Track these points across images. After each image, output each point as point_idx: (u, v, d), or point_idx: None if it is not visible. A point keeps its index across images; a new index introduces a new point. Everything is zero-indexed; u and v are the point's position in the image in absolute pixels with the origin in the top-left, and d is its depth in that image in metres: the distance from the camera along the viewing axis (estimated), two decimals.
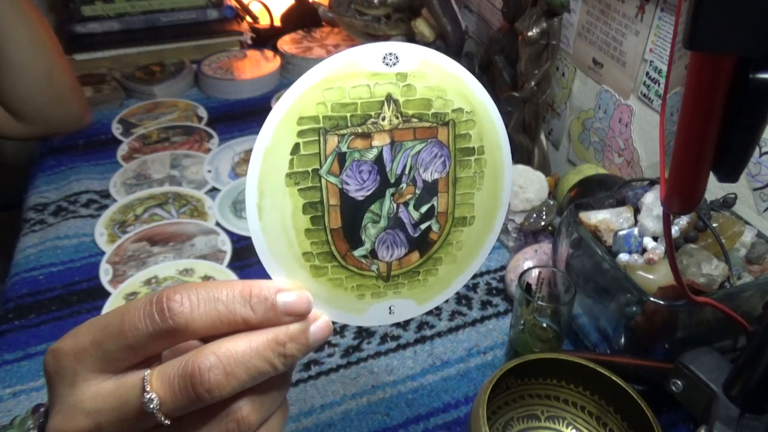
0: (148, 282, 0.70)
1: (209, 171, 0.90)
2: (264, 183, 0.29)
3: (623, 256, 0.55)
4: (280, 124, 0.28)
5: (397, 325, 0.67)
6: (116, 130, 0.99)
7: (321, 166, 0.29)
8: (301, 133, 0.29)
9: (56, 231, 0.78)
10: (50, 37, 0.87)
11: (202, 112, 1.05)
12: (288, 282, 0.31)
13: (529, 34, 0.74)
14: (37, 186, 0.87)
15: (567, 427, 0.54)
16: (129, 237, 0.77)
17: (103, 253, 0.75)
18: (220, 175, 0.89)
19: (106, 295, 0.69)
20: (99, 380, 0.28)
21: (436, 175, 0.32)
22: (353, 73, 0.29)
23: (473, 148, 0.32)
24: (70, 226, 0.79)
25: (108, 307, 0.68)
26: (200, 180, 0.88)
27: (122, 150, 0.94)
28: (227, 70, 1.12)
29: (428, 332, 0.66)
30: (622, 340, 0.55)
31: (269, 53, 1.18)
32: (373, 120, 0.30)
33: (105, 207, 0.83)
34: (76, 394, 0.28)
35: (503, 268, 0.75)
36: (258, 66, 1.14)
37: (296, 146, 0.29)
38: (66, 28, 1.13)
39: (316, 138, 0.29)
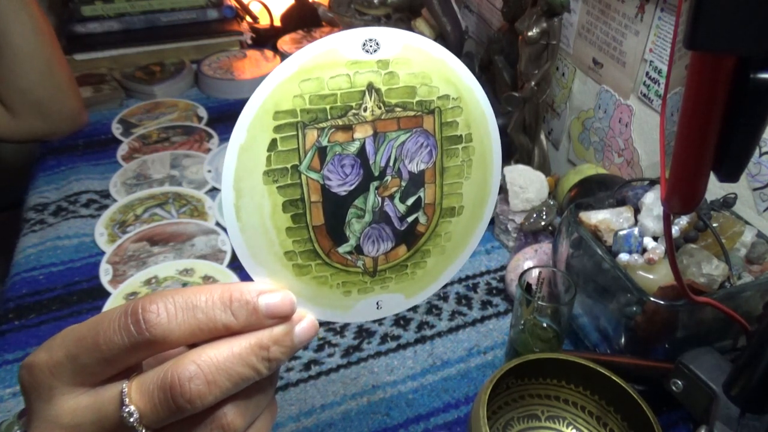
0: (148, 282, 0.70)
1: (209, 171, 0.90)
2: (240, 182, 0.28)
3: (623, 256, 0.55)
4: (255, 120, 0.27)
5: (398, 324, 0.67)
6: (116, 130, 0.99)
7: (300, 162, 0.28)
8: (277, 129, 0.27)
9: (56, 231, 0.78)
10: (49, 29, 0.87)
11: (202, 112, 1.05)
12: (270, 283, 0.29)
13: (529, 34, 0.74)
14: (37, 186, 0.87)
15: (567, 427, 0.54)
16: (129, 237, 0.77)
17: (103, 253, 0.75)
18: (220, 175, 0.89)
19: (106, 295, 0.69)
20: (76, 394, 0.27)
21: (422, 166, 0.31)
22: (331, 62, 0.27)
23: (461, 135, 0.31)
24: (70, 226, 0.79)
25: (108, 307, 0.68)
26: (200, 180, 0.88)
27: (122, 150, 0.94)
28: (227, 70, 1.12)
29: (428, 332, 0.66)
30: (622, 340, 0.55)
31: (269, 53, 1.18)
32: (354, 111, 0.28)
33: (105, 207, 0.83)
34: (54, 408, 0.27)
35: (503, 268, 0.75)
36: (258, 66, 1.14)
37: (273, 142, 0.27)
38: (66, 28, 1.13)
39: (294, 133, 0.27)
